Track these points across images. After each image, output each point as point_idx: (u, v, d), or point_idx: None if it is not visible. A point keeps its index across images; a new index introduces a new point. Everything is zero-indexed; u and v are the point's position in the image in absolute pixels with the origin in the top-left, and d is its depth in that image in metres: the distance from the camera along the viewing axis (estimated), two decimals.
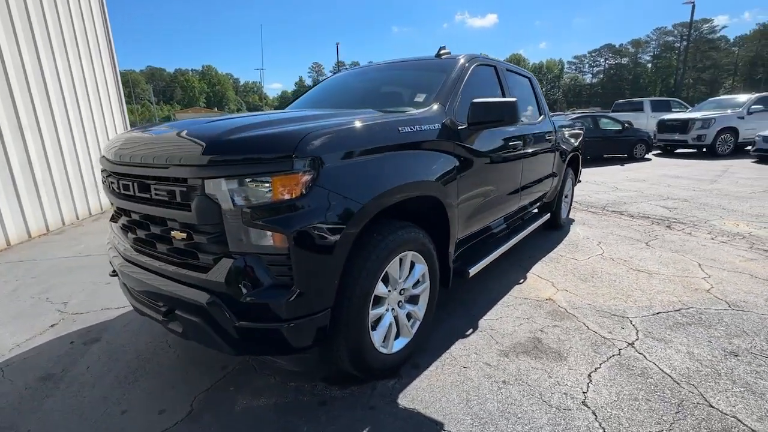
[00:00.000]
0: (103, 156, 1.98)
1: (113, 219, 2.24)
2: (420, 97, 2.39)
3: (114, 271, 2.14)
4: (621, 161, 10.84)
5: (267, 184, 1.38)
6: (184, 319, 1.55)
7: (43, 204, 4.87)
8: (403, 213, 2.00)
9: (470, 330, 2.41)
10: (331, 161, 1.50)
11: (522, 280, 3.18)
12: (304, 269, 1.42)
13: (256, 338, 1.49)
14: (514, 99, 2.18)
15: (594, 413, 1.71)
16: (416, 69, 2.85)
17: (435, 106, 2.23)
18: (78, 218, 5.51)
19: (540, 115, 3.85)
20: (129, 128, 7.42)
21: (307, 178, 1.42)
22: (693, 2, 24.06)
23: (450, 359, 2.12)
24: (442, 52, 2.86)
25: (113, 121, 6.89)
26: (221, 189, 1.39)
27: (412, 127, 1.93)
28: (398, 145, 1.84)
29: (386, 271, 1.79)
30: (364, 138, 1.69)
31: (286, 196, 1.39)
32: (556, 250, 3.91)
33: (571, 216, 5.14)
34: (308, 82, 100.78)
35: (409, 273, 2.00)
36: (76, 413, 1.77)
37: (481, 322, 2.50)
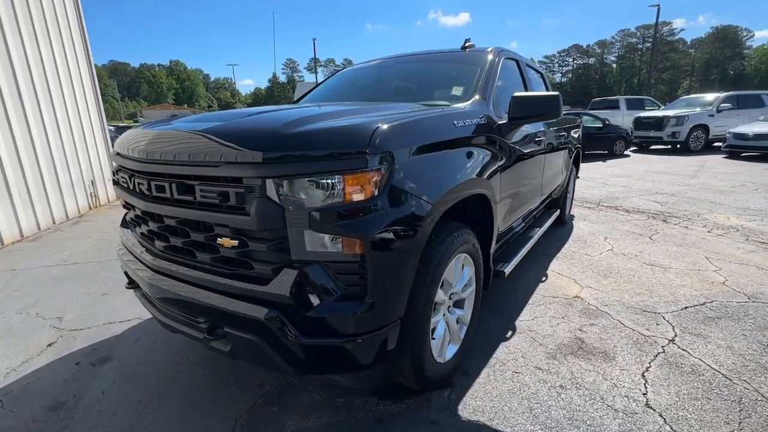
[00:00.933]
0: (119, 153, 1.74)
1: (126, 225, 2.01)
2: (458, 91, 2.28)
3: (130, 282, 1.92)
4: (602, 157, 11.15)
5: (338, 184, 1.23)
6: (235, 336, 1.38)
7: (16, 207, 4.40)
8: (451, 213, 1.88)
9: (509, 332, 2.34)
10: (400, 157, 1.36)
11: (544, 278, 3.14)
12: (380, 277, 1.28)
13: (322, 356, 1.33)
14: (556, 93, 2.11)
15: (661, 415, 1.66)
16: (445, 62, 2.73)
17: (477, 99, 2.13)
18: (54, 222, 5.04)
19: None
20: (106, 122, 6.94)
21: (380, 176, 1.28)
22: (659, 5, 25.21)
23: (499, 365, 2.03)
24: (467, 44, 2.76)
25: (88, 114, 6.34)
26: (285, 190, 1.23)
27: (464, 122, 1.82)
28: (454, 140, 1.72)
29: (444, 276, 1.67)
30: (428, 132, 1.56)
31: (360, 197, 1.25)
32: (567, 246, 3.92)
33: (570, 212, 5.19)
34: (282, 78, 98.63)
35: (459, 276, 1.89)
36: None
37: (518, 324, 2.44)
